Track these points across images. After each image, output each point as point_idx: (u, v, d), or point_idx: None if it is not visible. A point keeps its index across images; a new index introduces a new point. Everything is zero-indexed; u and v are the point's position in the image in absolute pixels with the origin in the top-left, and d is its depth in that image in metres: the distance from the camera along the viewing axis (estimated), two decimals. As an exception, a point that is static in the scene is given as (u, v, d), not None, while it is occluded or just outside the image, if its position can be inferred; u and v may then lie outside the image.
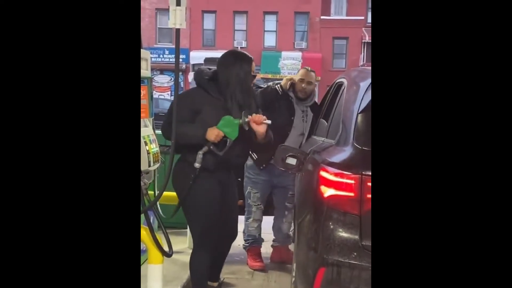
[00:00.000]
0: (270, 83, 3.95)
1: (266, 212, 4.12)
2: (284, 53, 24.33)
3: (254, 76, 2.86)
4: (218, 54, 3.18)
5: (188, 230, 4.38)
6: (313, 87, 3.94)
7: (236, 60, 2.78)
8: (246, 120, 2.74)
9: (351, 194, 2.14)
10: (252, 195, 3.97)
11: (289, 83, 3.87)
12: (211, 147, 2.70)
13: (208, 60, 23.17)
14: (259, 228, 4.05)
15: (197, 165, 2.69)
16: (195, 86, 2.82)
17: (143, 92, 2.76)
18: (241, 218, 4.02)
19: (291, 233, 4.09)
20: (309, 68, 4.09)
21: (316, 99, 4.19)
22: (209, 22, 25.98)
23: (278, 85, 3.89)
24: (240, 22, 25.96)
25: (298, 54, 24.23)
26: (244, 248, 4.11)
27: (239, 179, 3.89)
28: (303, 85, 3.87)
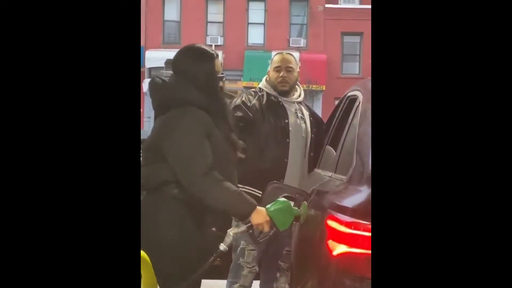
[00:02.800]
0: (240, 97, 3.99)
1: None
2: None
3: (222, 77, 2.89)
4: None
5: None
6: (296, 75, 4.07)
7: (194, 59, 2.78)
8: (307, 212, 2.80)
9: (370, 252, 2.10)
10: (246, 253, 3.91)
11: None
12: (251, 231, 2.74)
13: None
14: (246, 297, 4.01)
15: (223, 247, 2.69)
16: (186, 103, 2.71)
17: None
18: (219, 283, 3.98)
19: (285, 304, 4.07)
20: (285, 52, 4.22)
21: (320, 114, 4.27)
22: (172, 11, 26.21)
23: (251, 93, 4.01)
24: (215, 11, 26.24)
25: (295, 55, 24.55)
26: (221, 325, 4.05)
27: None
28: (281, 73, 3.97)
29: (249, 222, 2.70)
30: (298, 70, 4.12)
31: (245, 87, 24.44)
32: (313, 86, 24.02)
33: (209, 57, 2.81)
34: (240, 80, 25.62)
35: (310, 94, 23.44)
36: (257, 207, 2.69)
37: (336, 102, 3.91)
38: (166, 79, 2.84)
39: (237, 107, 3.85)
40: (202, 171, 2.57)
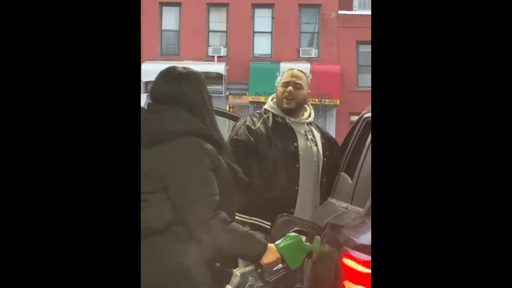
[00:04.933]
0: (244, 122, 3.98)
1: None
2: (284, 65, 24.54)
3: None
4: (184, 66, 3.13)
5: None
6: (305, 93, 4.05)
7: (180, 82, 2.73)
8: (320, 248, 2.78)
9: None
10: None
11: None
12: (259, 270, 2.73)
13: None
14: None
15: None
16: (185, 134, 2.68)
17: None
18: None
19: None
20: (297, 69, 4.23)
21: (334, 131, 4.31)
22: (170, 19, 26.35)
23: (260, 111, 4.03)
24: (218, 20, 26.37)
25: (305, 66, 24.45)
26: None
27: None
28: (288, 88, 3.96)
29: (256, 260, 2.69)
30: (309, 90, 4.11)
31: (251, 102, 24.48)
32: (326, 100, 24.02)
33: (197, 78, 2.77)
34: (245, 94, 25.69)
35: (322, 109, 23.44)
36: (268, 245, 2.67)
37: (352, 117, 3.94)
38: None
39: (240, 132, 3.87)
40: (208, 214, 2.55)
